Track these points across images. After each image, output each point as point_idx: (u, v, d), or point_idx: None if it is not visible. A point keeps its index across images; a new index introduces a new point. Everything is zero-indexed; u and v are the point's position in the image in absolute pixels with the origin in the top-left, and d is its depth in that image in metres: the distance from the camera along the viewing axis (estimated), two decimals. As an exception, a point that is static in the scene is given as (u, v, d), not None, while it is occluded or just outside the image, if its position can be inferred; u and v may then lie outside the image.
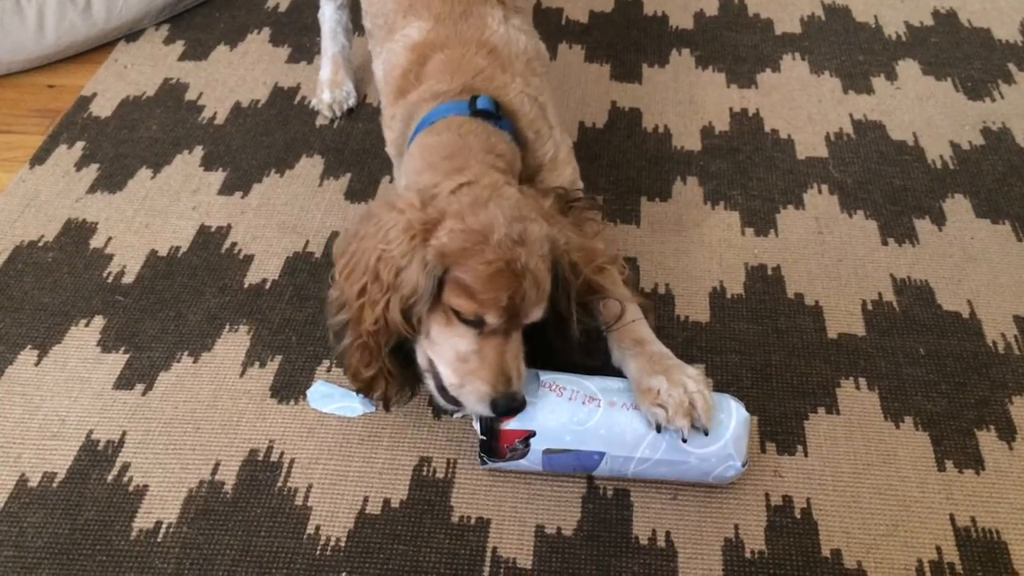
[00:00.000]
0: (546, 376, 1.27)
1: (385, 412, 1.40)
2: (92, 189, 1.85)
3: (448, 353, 1.22)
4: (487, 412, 1.21)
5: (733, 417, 1.24)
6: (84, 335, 1.55)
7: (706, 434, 1.22)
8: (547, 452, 1.26)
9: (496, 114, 1.37)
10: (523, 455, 1.26)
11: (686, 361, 1.48)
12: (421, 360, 1.27)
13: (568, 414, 1.24)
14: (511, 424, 1.24)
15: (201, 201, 1.82)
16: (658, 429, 1.22)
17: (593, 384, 1.27)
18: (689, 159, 1.92)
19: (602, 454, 1.25)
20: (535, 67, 1.49)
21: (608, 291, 1.31)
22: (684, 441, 1.22)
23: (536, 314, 1.21)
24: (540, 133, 1.45)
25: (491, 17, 1.47)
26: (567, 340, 1.30)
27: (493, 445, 1.26)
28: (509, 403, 1.20)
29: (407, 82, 1.46)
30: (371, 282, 1.21)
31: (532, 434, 1.25)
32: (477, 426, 1.27)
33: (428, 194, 1.23)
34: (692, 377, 1.24)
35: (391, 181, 1.84)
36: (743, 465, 1.25)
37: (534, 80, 1.47)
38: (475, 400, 1.21)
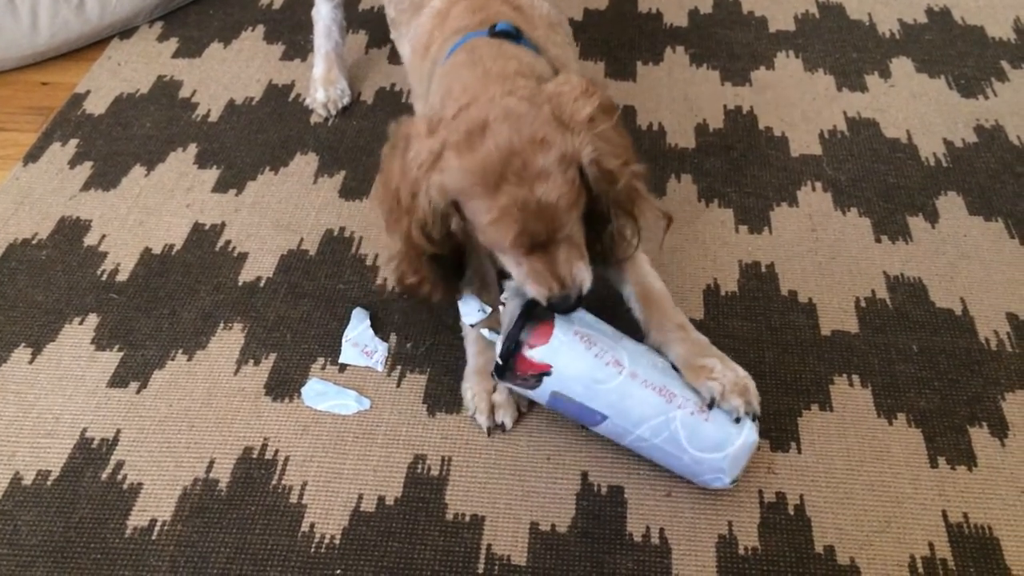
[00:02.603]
0: (583, 327, 1.25)
1: (428, 314, 1.46)
2: (86, 187, 1.84)
3: (504, 260, 1.26)
4: (546, 304, 1.24)
5: (742, 436, 1.22)
6: (78, 333, 1.55)
7: (755, 419, 1.23)
8: (555, 394, 1.26)
9: (516, 35, 1.34)
10: (533, 387, 1.27)
11: (680, 358, 1.49)
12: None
13: (588, 368, 1.23)
14: (531, 353, 1.24)
15: (195, 199, 1.81)
16: (710, 405, 1.22)
17: (626, 348, 1.25)
18: (683, 157, 1.92)
19: (605, 416, 1.25)
20: (557, 30, 1.48)
21: (641, 201, 1.27)
22: (737, 421, 1.21)
23: (564, 231, 1.19)
24: (569, 68, 1.40)
25: None
26: (606, 241, 1.29)
27: (507, 369, 1.27)
28: (563, 303, 1.23)
29: (431, 38, 1.45)
30: (394, 206, 1.24)
31: (547, 372, 1.24)
32: (498, 348, 1.27)
33: (435, 120, 1.21)
34: (739, 367, 1.26)
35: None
36: (731, 482, 1.25)
37: (556, 37, 1.46)
38: (537, 296, 1.24)
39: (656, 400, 1.22)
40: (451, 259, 1.31)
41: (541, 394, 1.27)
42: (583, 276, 1.23)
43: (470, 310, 1.35)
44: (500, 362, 1.27)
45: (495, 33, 1.34)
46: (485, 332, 1.36)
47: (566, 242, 1.22)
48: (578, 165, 1.18)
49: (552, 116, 1.17)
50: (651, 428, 1.23)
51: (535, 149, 1.14)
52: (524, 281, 1.24)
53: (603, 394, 1.23)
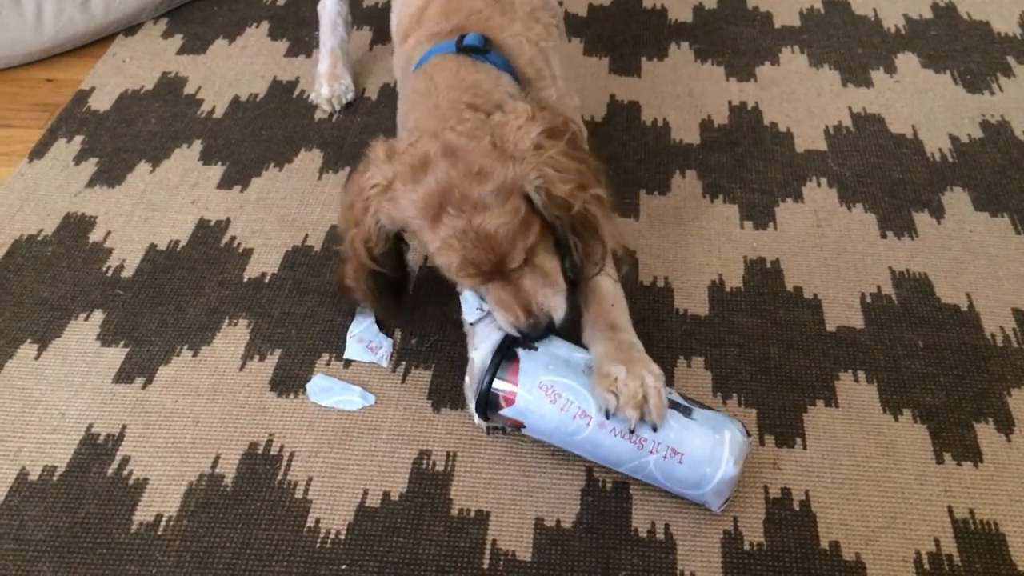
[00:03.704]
0: (547, 378, 1.25)
1: (347, 313, 1.50)
2: (91, 183, 1.84)
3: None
4: (516, 334, 1.27)
5: (719, 474, 1.20)
6: (84, 329, 1.55)
7: (654, 429, 1.20)
8: (537, 438, 1.29)
9: (483, 49, 1.36)
10: (517, 430, 1.30)
11: (685, 355, 1.49)
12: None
13: (557, 423, 1.24)
14: (502, 412, 1.26)
15: (200, 195, 1.82)
16: (607, 415, 1.21)
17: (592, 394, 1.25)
18: (688, 152, 1.92)
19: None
20: (539, 16, 1.48)
21: (601, 226, 1.27)
22: (632, 432, 1.20)
23: (515, 260, 1.21)
24: (541, 74, 1.43)
25: None
26: (572, 264, 1.30)
27: (485, 418, 1.30)
28: (532, 331, 1.25)
29: (411, 24, 1.47)
30: (347, 217, 1.31)
31: (522, 425, 1.27)
32: (471, 395, 1.29)
33: (392, 149, 1.26)
34: (652, 373, 1.22)
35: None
36: (720, 508, 1.26)
37: (536, 27, 1.46)
38: (504, 325, 1.27)
39: (628, 447, 1.22)
40: (391, 279, 1.35)
41: (525, 432, 1.29)
42: (552, 304, 1.24)
43: (470, 308, 1.35)
44: (476, 412, 1.29)
45: (462, 48, 1.35)
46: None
47: (532, 270, 1.24)
48: (522, 193, 1.20)
49: (491, 147, 1.20)
50: (630, 468, 1.24)
51: (471, 181, 1.17)
52: (493, 310, 1.27)
53: (577, 443, 1.25)
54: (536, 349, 1.27)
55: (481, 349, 1.30)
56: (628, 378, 1.21)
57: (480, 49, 1.35)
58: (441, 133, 1.22)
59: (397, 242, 1.32)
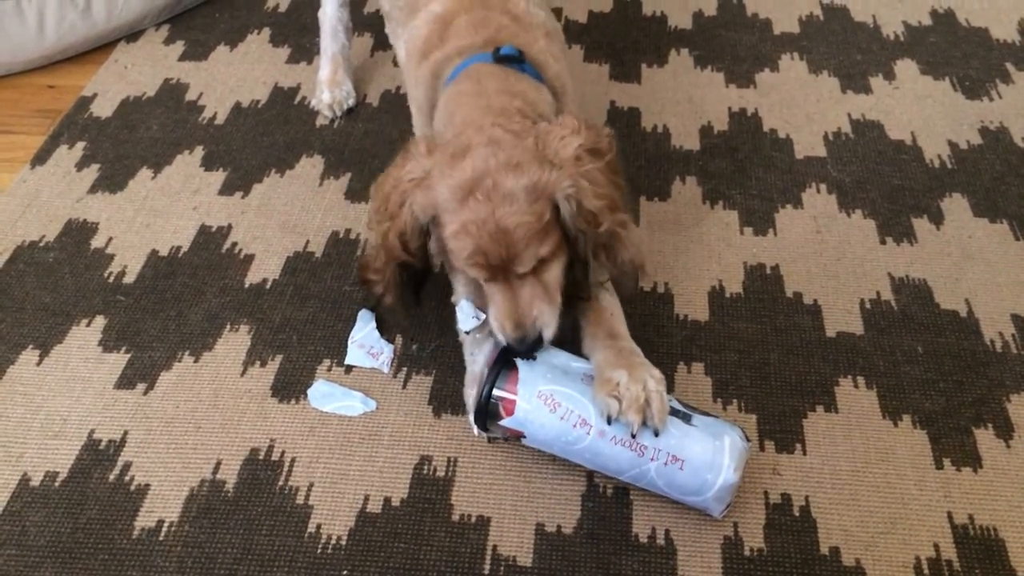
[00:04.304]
0: (546, 387, 1.25)
1: (373, 312, 1.51)
2: (93, 189, 1.85)
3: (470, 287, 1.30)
4: (504, 344, 1.26)
5: (720, 480, 1.20)
6: (85, 335, 1.55)
7: (656, 434, 1.20)
8: (538, 448, 1.30)
9: (520, 59, 1.37)
10: (516, 440, 1.30)
11: (685, 360, 1.50)
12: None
13: (557, 432, 1.24)
14: (502, 422, 1.26)
15: (202, 201, 1.82)
16: (609, 421, 1.21)
17: (592, 402, 1.24)
18: (688, 159, 1.92)
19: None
20: (554, 39, 1.50)
21: (623, 250, 1.27)
22: (633, 437, 1.20)
23: (524, 265, 1.21)
24: (565, 89, 1.45)
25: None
26: (584, 281, 1.30)
27: (485, 429, 1.30)
28: (519, 345, 1.24)
29: (430, 45, 1.46)
30: (382, 209, 1.30)
31: (522, 435, 1.27)
32: (471, 416, 1.28)
33: (433, 143, 1.27)
34: (654, 377, 1.23)
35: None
36: (721, 514, 1.26)
37: (555, 46, 1.48)
38: (495, 330, 1.27)
39: (628, 455, 1.22)
40: (416, 274, 1.34)
41: (524, 441, 1.29)
42: (545, 320, 1.24)
43: (465, 316, 1.35)
44: (475, 423, 1.29)
45: (499, 58, 1.36)
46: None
47: (536, 282, 1.23)
48: (551, 200, 1.20)
49: (534, 148, 1.21)
50: (631, 476, 1.25)
51: (506, 172, 1.18)
52: (488, 310, 1.27)
53: (577, 452, 1.25)
54: (535, 359, 1.27)
55: (478, 359, 1.30)
56: (630, 382, 1.21)
57: (517, 59, 1.37)
58: (488, 127, 1.23)
59: (428, 235, 1.30)
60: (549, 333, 1.25)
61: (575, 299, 1.33)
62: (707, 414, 1.26)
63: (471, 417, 1.31)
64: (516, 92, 1.32)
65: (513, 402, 1.24)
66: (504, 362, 1.27)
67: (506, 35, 1.41)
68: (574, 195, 1.20)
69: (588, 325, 1.34)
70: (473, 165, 1.19)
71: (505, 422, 1.26)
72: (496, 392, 1.25)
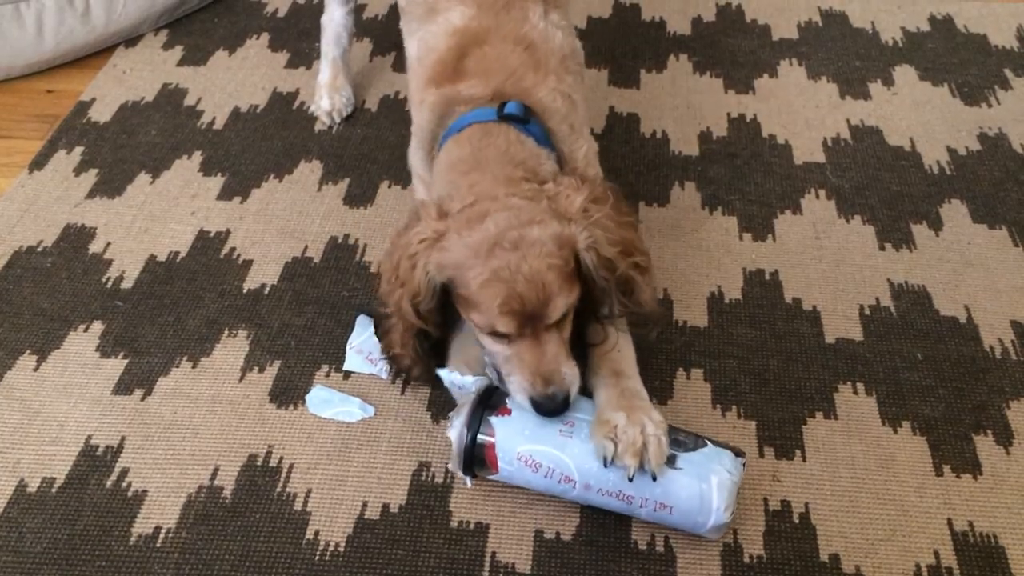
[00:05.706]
0: (525, 448, 1.23)
1: (404, 384, 1.47)
2: (91, 194, 1.85)
3: (491, 350, 1.26)
4: (528, 407, 1.22)
5: (711, 521, 1.19)
6: (83, 340, 1.55)
7: (654, 479, 1.19)
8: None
9: (524, 118, 1.38)
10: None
11: (684, 366, 1.49)
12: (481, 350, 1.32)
13: (544, 487, 1.25)
14: (490, 476, 1.27)
15: (200, 206, 1.82)
16: (605, 463, 1.19)
17: (570, 454, 1.21)
18: (687, 164, 1.92)
19: None
20: (569, 65, 1.49)
21: (640, 291, 1.28)
22: (630, 480, 1.19)
23: (555, 312, 1.20)
24: (573, 128, 1.45)
25: (532, 12, 1.47)
26: (602, 328, 1.31)
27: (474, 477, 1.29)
28: (549, 403, 1.21)
29: (442, 70, 1.45)
30: (392, 277, 1.28)
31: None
32: (458, 463, 1.26)
33: (444, 207, 1.26)
34: (654, 421, 1.21)
35: (390, 187, 1.85)
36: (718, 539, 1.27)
37: (568, 78, 1.47)
38: (517, 392, 1.23)
39: (617, 504, 1.23)
40: (435, 340, 1.33)
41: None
42: (572, 378, 1.23)
43: (454, 388, 1.35)
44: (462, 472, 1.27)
45: (503, 116, 1.36)
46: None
47: (559, 337, 1.23)
48: (573, 250, 1.21)
49: (548, 208, 1.23)
50: (626, 513, 1.25)
51: (531, 225, 1.19)
52: (509, 371, 1.23)
53: (569, 500, 1.27)
54: (510, 413, 1.25)
55: (455, 423, 1.26)
56: (628, 425, 1.20)
57: (521, 119, 1.37)
58: (503, 197, 1.24)
59: (443, 297, 1.27)
60: (575, 391, 1.24)
61: (590, 347, 1.33)
62: (697, 438, 1.23)
63: (460, 474, 1.29)
64: (518, 161, 1.33)
65: (495, 465, 1.24)
66: (481, 416, 1.25)
67: (512, 84, 1.40)
68: (592, 244, 1.22)
69: (594, 360, 1.34)
70: (495, 223, 1.19)
71: (492, 477, 1.27)
72: (477, 455, 1.24)
